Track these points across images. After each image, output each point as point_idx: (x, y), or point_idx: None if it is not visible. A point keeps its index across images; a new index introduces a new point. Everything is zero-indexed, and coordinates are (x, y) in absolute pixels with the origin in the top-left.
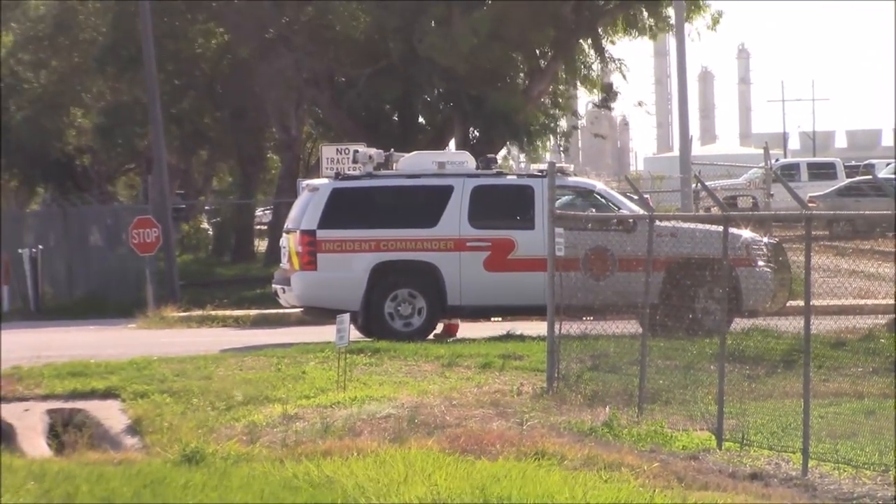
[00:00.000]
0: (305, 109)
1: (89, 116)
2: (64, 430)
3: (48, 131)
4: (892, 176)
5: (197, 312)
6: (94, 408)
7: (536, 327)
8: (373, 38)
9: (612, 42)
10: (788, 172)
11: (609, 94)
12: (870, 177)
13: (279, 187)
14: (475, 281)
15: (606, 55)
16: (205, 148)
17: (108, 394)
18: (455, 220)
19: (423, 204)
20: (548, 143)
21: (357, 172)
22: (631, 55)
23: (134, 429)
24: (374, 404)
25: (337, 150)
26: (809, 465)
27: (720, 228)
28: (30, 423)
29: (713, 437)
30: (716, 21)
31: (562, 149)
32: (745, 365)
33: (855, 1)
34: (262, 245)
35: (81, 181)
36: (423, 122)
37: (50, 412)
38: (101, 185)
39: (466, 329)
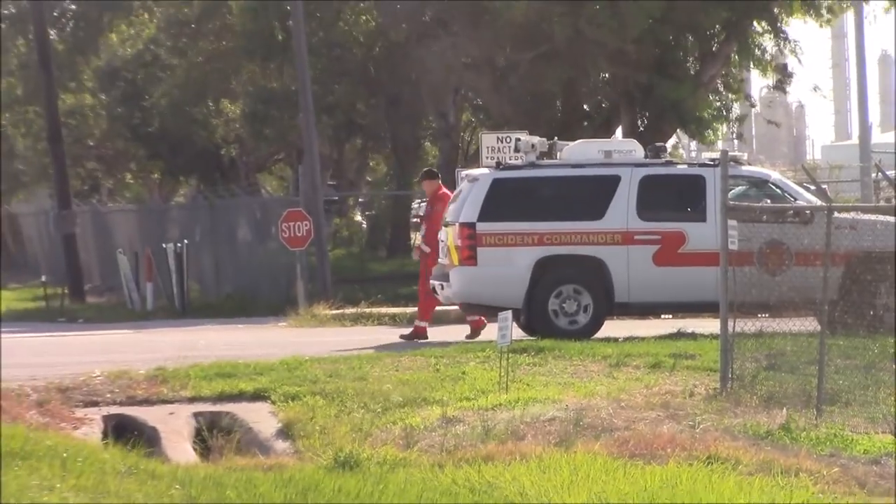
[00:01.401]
0: (464, 95)
1: (237, 104)
2: (211, 433)
3: (194, 119)
4: None
5: (350, 310)
6: (243, 410)
7: (709, 325)
8: (535, 21)
9: (787, 24)
10: None
11: (784, 76)
12: None
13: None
14: (644, 276)
15: (782, 35)
16: (358, 137)
17: (257, 396)
18: (622, 211)
19: (589, 195)
20: (720, 131)
21: (519, 162)
22: (806, 38)
23: (284, 432)
24: (537, 406)
25: (497, 138)
26: None
27: None
28: (175, 426)
29: None
30: (893, 2)
31: (735, 136)
32: None
33: None
34: (418, 238)
35: (229, 172)
36: (588, 109)
37: (196, 415)
38: (250, 176)
39: (634, 327)
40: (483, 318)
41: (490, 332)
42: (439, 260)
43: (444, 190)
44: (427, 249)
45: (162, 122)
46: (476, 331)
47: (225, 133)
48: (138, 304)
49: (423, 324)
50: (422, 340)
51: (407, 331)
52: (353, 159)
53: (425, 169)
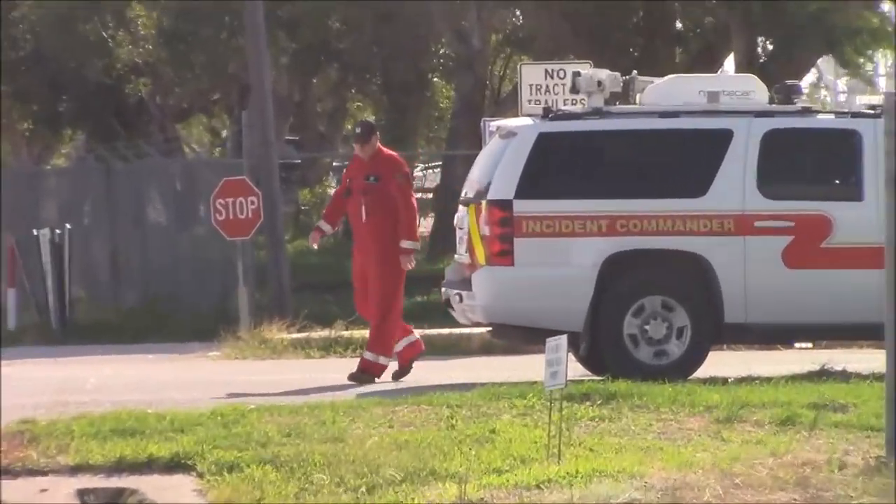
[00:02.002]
0: (494, 6)
1: (150, 17)
2: None
3: (84, 41)
4: None
5: (319, 333)
6: (154, 487)
7: (868, 358)
8: None
9: None
10: None
11: None
12: None
13: (452, 131)
14: (769, 283)
15: None
16: (332, 67)
17: (175, 464)
18: (737, 185)
19: (685, 159)
20: (885, 60)
21: (578, 108)
22: None
23: None
24: (606, 484)
25: (546, 71)
26: None
27: None
28: None
29: None
30: None
31: None
32: None
33: None
34: (425, 224)
35: (136, 121)
36: (683, 28)
37: (82, 493)
38: (167, 127)
39: (754, 360)
40: (416, 345)
41: (531, 367)
42: (456, 257)
43: (390, 152)
44: (328, 229)
45: (35, 44)
46: (405, 368)
47: (130, 62)
48: None
49: (381, 360)
50: (379, 381)
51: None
52: (325, 102)
53: (362, 122)
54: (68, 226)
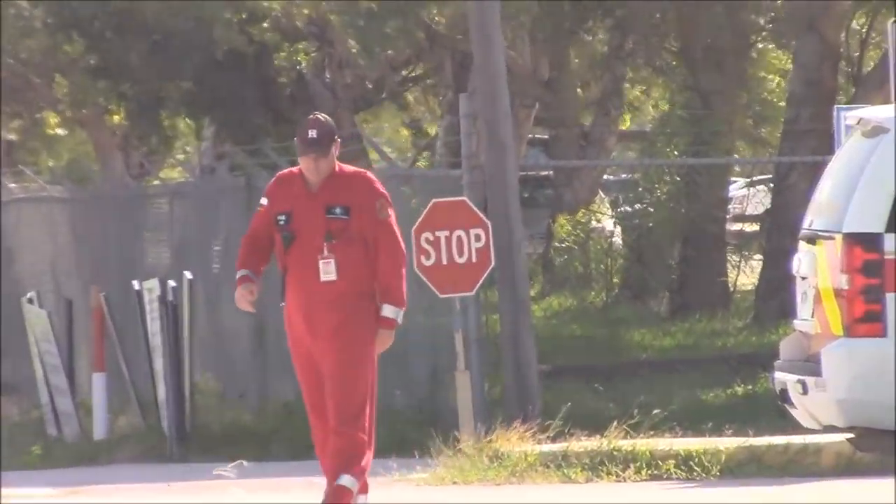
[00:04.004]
0: None
1: None
2: None
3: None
4: None
5: (584, 443)
6: None
7: None
8: None
9: None
10: None
11: None
12: None
13: (788, 127)
14: None
15: None
16: (600, 28)
17: None
18: None
19: None
20: None
21: None
22: None
23: None
24: None
25: None
26: None
27: None
28: None
29: None
30: None
31: None
32: None
33: None
34: (748, 272)
35: (290, 112)
36: None
37: None
38: (342, 119)
39: None
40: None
41: None
42: (795, 324)
43: (357, 169)
44: (257, 281)
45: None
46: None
47: (283, 20)
48: (74, 431)
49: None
50: None
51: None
52: (589, 82)
53: (313, 119)
54: (188, 274)
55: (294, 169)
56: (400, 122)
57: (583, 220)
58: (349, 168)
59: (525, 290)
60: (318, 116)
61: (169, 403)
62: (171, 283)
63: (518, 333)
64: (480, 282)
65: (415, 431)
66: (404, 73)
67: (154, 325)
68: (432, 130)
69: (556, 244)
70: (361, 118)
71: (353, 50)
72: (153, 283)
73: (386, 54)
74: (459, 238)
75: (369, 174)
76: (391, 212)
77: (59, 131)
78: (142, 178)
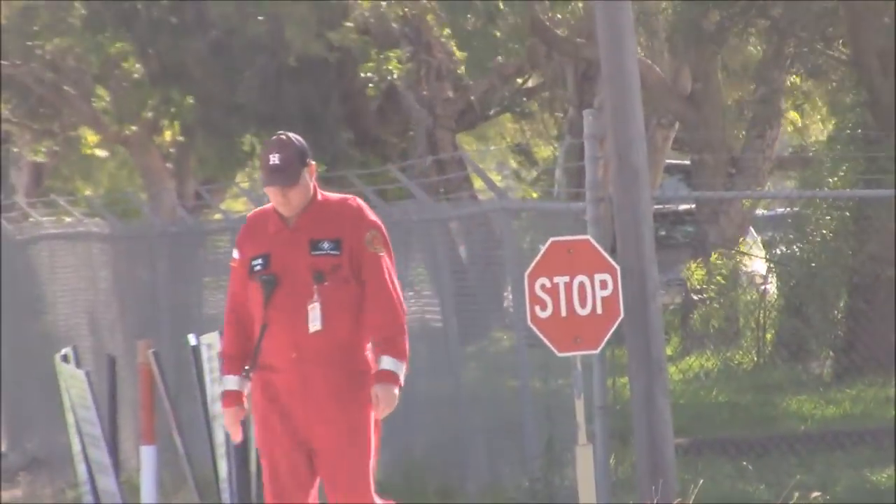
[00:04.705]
0: None
1: None
2: None
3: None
4: None
5: None
6: None
7: None
8: None
9: None
10: None
11: None
12: None
13: None
14: None
15: None
16: (754, 26)
17: None
18: None
19: None
20: None
21: None
22: None
23: None
24: None
25: None
26: None
27: None
28: None
29: None
30: None
31: None
32: None
33: None
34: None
35: (378, 131)
36: None
37: None
38: (438, 140)
39: None
40: None
41: None
42: None
43: (344, 196)
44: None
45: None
46: None
47: (383, 32)
48: None
49: None
50: None
51: None
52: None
53: (277, 140)
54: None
55: (267, 206)
56: (509, 143)
57: (729, 264)
58: (334, 196)
59: (660, 347)
60: (282, 136)
61: (232, 482)
62: None
63: (651, 400)
64: (606, 338)
65: None
66: (517, 83)
67: (214, 388)
68: (546, 154)
69: (694, 293)
70: (465, 139)
71: (455, 57)
72: (213, 337)
73: (494, 62)
74: (582, 285)
75: (359, 201)
76: (384, 246)
77: (98, 152)
78: (198, 211)
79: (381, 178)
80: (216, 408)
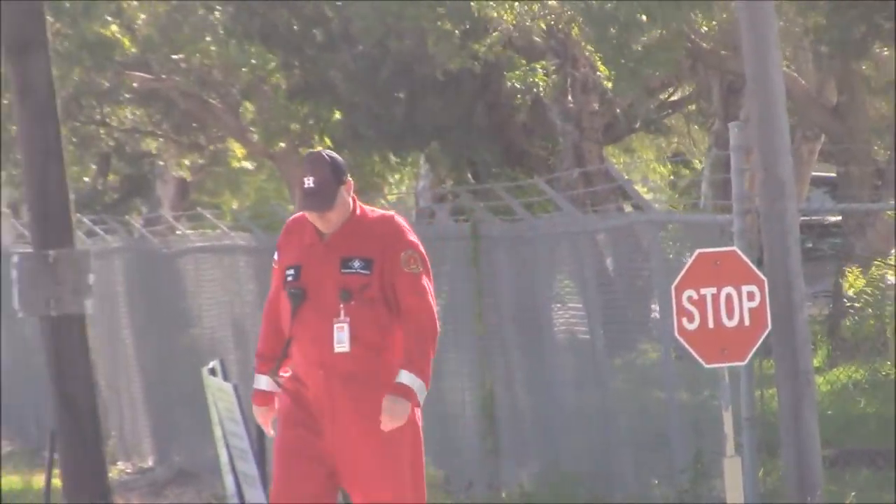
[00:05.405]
0: None
1: None
2: None
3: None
4: None
5: None
6: None
7: None
8: None
9: None
10: None
11: None
12: None
13: None
14: None
15: None
16: None
17: None
18: None
19: None
20: None
21: None
22: None
23: None
24: None
25: None
26: None
27: None
28: None
29: None
30: None
31: None
32: None
33: None
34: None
35: (524, 144)
36: None
37: None
38: (586, 153)
39: None
40: None
41: None
42: None
43: (383, 212)
44: (279, 382)
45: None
46: None
47: (527, 44)
48: None
49: None
50: None
51: None
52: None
53: (313, 155)
54: None
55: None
56: (654, 155)
57: (877, 276)
58: (374, 212)
59: (807, 359)
60: (316, 156)
61: None
62: None
63: (799, 411)
64: (754, 349)
65: None
66: (662, 97)
67: None
68: (691, 167)
69: (847, 303)
70: (613, 152)
71: (600, 71)
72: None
73: (640, 76)
74: (729, 296)
75: (398, 219)
76: (422, 265)
77: (245, 164)
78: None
79: (528, 191)
80: None
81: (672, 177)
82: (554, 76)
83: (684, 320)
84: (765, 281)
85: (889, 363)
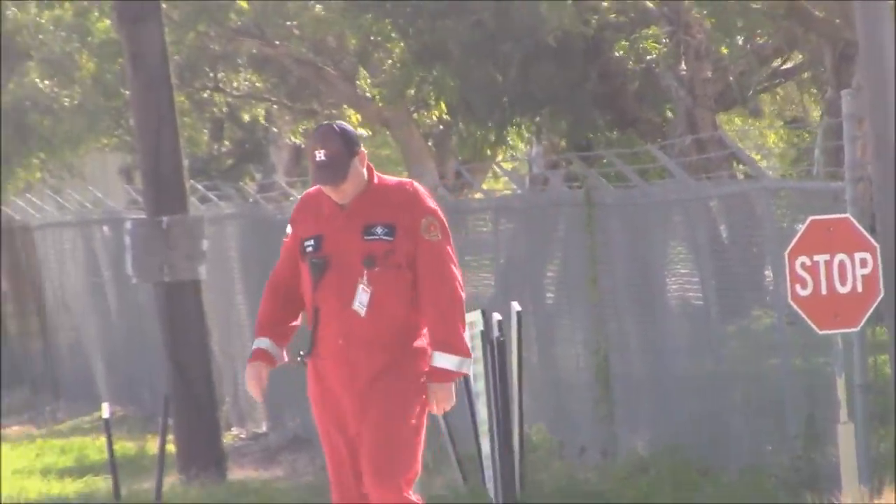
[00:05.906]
0: None
1: None
2: None
3: None
4: None
5: None
6: None
7: None
8: None
9: None
10: None
11: None
12: None
13: None
14: None
15: None
16: None
17: None
18: None
19: None
20: None
21: None
22: None
23: None
24: None
25: None
26: None
27: None
28: None
29: None
30: None
31: None
32: None
33: None
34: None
35: (637, 112)
36: None
37: None
38: (699, 120)
39: None
40: None
41: None
42: None
43: (402, 180)
44: (278, 354)
45: None
46: None
47: (640, 10)
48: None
49: None
50: None
51: None
52: None
53: (324, 127)
54: (516, 305)
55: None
56: (768, 122)
57: None
58: (391, 179)
59: None
60: (326, 128)
61: (495, 460)
62: (497, 315)
63: None
64: (866, 316)
65: (787, 494)
66: (774, 64)
67: (476, 367)
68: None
69: None
70: (724, 119)
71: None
72: (475, 316)
73: (752, 42)
74: (842, 263)
75: (416, 185)
76: (442, 231)
77: (361, 131)
78: (460, 191)
79: (641, 158)
80: (478, 384)
81: (786, 144)
82: (666, 43)
83: (797, 287)
84: (877, 248)
85: None
